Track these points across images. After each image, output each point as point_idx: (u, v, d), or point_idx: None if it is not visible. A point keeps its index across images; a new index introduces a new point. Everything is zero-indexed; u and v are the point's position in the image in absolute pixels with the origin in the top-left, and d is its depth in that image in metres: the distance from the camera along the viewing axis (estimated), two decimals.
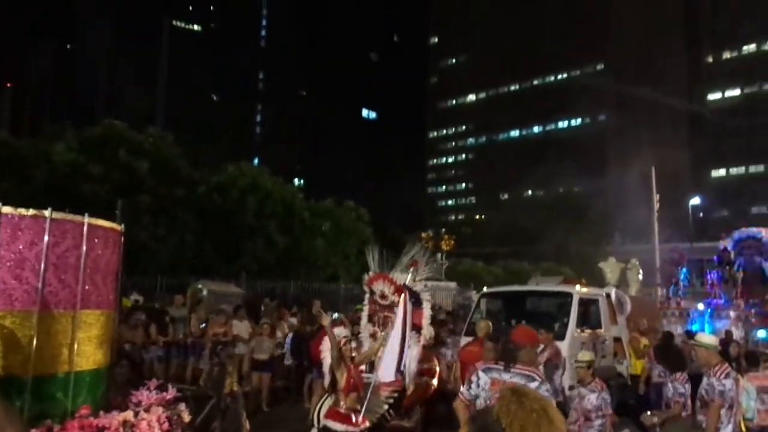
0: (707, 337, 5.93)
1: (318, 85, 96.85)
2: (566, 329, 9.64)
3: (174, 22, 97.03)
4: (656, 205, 22.75)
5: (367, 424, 5.64)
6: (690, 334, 10.70)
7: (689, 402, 6.23)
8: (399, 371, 5.97)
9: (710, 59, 78.17)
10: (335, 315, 13.32)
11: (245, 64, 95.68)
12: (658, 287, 18.23)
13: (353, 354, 5.80)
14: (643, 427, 6.93)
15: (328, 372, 5.67)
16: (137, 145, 22.95)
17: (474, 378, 4.63)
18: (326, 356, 5.72)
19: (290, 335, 12.03)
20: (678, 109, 72.65)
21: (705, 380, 5.39)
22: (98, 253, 4.15)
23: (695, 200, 48.68)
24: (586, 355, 6.51)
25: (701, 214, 56.58)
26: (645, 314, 12.23)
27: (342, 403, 5.57)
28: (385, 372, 6.03)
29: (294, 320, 13.23)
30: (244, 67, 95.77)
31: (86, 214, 4.09)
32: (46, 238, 3.78)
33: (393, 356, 5.99)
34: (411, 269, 6.46)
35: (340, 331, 5.88)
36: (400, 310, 6.07)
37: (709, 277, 14.93)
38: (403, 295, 6.14)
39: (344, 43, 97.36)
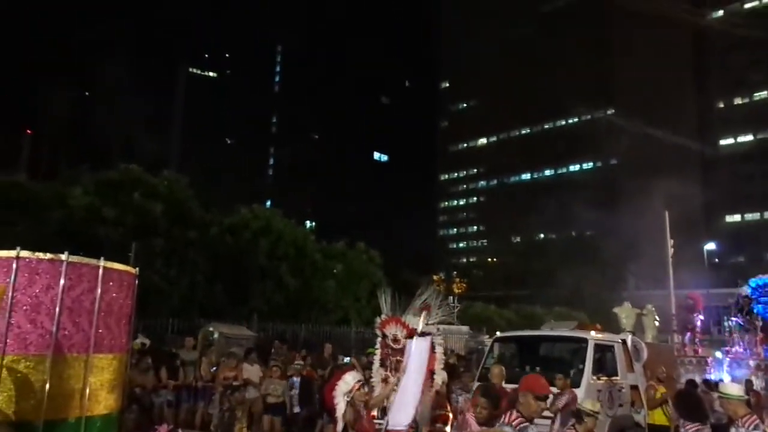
0: (733, 387, 5.78)
1: (330, 128, 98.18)
2: (581, 376, 9.46)
3: (190, 70, 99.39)
4: (671, 251, 22.42)
5: None
6: (708, 383, 10.45)
7: None
8: (413, 420, 5.85)
9: (721, 104, 78.53)
10: (346, 359, 13.10)
11: (259, 108, 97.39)
12: (675, 334, 17.87)
13: (366, 398, 5.70)
14: None
15: (342, 419, 5.57)
16: (152, 187, 23.19)
17: None
18: (340, 402, 5.62)
19: (297, 380, 11.24)
20: (690, 154, 72.69)
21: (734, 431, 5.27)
22: (112, 296, 4.15)
23: (710, 246, 48.11)
24: (596, 405, 6.28)
25: (717, 260, 55.91)
26: (662, 362, 11.96)
27: None
28: (397, 418, 5.92)
29: (300, 363, 11.93)
30: (258, 112, 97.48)
31: (102, 258, 4.12)
32: (62, 281, 3.79)
33: (405, 402, 5.89)
34: (423, 313, 6.39)
35: (353, 376, 5.79)
36: (413, 355, 6.00)
37: (727, 324, 14.65)
38: (414, 338, 6.07)
39: (356, 87, 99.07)
